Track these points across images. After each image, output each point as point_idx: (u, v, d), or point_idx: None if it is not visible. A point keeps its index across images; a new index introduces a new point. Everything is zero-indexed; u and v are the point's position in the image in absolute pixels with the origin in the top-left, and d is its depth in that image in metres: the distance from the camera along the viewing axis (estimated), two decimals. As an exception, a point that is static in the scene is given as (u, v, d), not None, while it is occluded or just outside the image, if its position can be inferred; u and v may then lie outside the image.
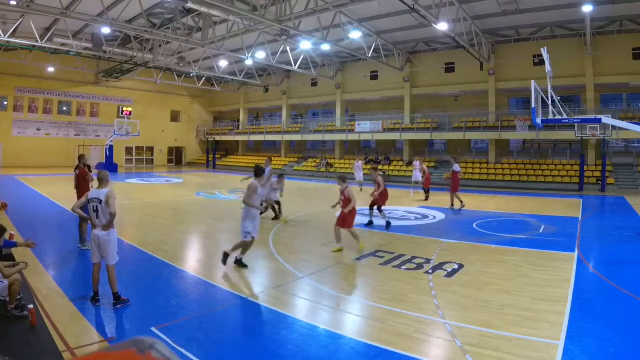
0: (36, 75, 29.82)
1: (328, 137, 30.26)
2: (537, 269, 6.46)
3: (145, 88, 35.09)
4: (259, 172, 6.67)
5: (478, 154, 25.75)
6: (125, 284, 5.31)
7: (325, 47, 21.64)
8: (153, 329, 4.22)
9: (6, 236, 5.47)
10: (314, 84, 32.54)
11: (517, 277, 6.08)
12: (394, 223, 10.90)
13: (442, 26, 16.31)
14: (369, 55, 22.37)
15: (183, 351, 3.71)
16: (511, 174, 21.81)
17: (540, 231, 9.69)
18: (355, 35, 20.33)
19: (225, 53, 24.18)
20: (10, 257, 5.14)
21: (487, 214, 12.25)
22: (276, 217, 10.84)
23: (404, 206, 14.08)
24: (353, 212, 7.62)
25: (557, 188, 19.68)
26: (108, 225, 4.85)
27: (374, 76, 28.81)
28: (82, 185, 7.95)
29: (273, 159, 33.54)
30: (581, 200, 15.99)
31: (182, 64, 27.92)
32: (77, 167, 8.24)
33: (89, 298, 4.90)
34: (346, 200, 7.68)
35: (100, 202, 4.84)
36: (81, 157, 8.44)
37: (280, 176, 11.24)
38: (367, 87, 29.20)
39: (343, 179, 7.94)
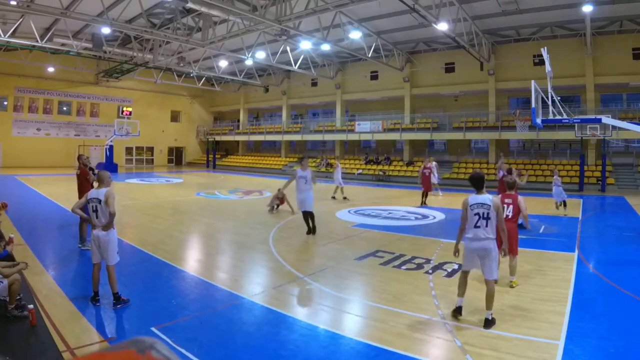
0: (36, 75, 29.82)
1: (328, 137, 30.26)
2: (537, 269, 6.46)
3: (145, 88, 35.09)
4: (480, 182, 4.57)
5: (478, 154, 25.74)
6: (125, 284, 5.31)
7: (325, 47, 21.65)
8: (153, 329, 4.22)
9: (5, 238, 5.47)
10: (314, 84, 32.54)
11: (517, 277, 6.07)
12: (394, 223, 10.89)
13: (442, 26, 16.31)
14: (369, 55, 22.37)
15: (183, 351, 3.71)
16: (511, 174, 21.78)
17: (540, 231, 9.69)
18: (355, 35, 20.33)
19: (225, 53, 24.18)
20: (10, 257, 5.14)
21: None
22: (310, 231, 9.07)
23: (404, 206, 14.08)
24: (509, 233, 5.26)
25: (557, 188, 19.65)
26: (108, 225, 4.85)
27: (374, 76, 28.81)
28: (83, 186, 7.94)
29: (273, 159, 33.81)
30: (581, 200, 15.98)
31: (182, 64, 27.93)
32: (78, 168, 8.26)
33: (89, 298, 4.90)
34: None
35: (100, 202, 4.84)
36: (80, 157, 8.44)
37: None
38: (367, 87, 29.19)
39: (511, 185, 6.07)
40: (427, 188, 14.47)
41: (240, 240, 8.77)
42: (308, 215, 8.89)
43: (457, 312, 4.56)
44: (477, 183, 4.57)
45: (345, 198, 15.35)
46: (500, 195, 5.88)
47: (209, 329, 4.31)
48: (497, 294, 5.30)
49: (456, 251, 4.70)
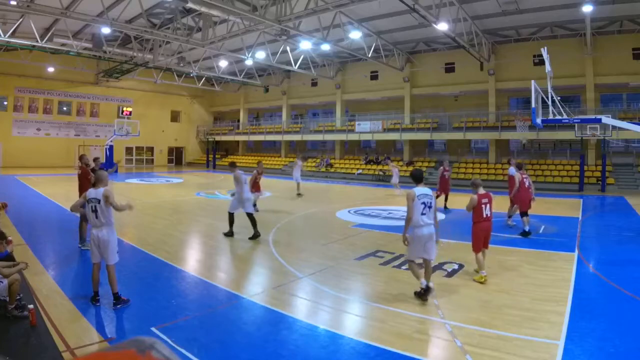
0: (36, 75, 29.82)
1: (328, 137, 30.26)
2: (537, 269, 6.46)
3: (145, 88, 35.09)
4: (421, 177, 5.38)
5: (478, 154, 25.74)
6: (125, 284, 5.31)
7: (325, 47, 21.64)
8: (153, 329, 4.22)
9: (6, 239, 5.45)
10: (314, 84, 32.54)
11: (517, 277, 6.08)
12: (394, 223, 10.88)
13: (442, 26, 16.31)
14: (369, 55, 22.37)
15: (183, 351, 3.71)
16: (511, 174, 21.77)
17: (540, 231, 9.69)
18: (355, 35, 20.33)
19: (225, 53, 24.18)
20: (10, 257, 5.13)
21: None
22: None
23: (404, 206, 14.05)
24: (475, 227, 6.13)
25: (557, 188, 19.68)
26: (121, 209, 4.99)
27: (374, 76, 28.81)
28: (84, 185, 7.95)
29: (273, 159, 33.82)
30: (581, 200, 15.98)
31: (182, 64, 27.92)
32: (80, 167, 8.28)
33: (89, 298, 4.90)
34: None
35: (99, 201, 4.85)
36: (82, 157, 8.46)
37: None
38: (367, 87, 29.20)
39: (476, 185, 6.30)
40: (446, 191, 13.40)
41: (240, 240, 8.77)
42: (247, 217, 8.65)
43: (426, 292, 4.96)
44: (418, 177, 5.35)
45: (299, 194, 16.05)
46: (477, 196, 6.08)
47: (209, 329, 4.31)
48: (497, 293, 5.34)
49: (405, 239, 5.20)
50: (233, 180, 8.91)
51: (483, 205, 6.03)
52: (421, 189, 5.18)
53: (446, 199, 13.30)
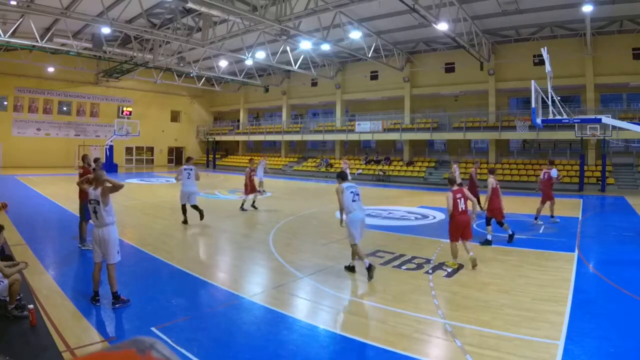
0: (36, 75, 29.81)
1: (328, 137, 30.26)
2: (537, 269, 6.46)
3: (145, 88, 35.08)
4: (346, 175, 6.61)
5: (478, 154, 25.73)
6: (125, 284, 5.31)
7: (325, 47, 21.64)
8: (153, 329, 4.22)
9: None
10: (314, 84, 32.54)
11: (517, 277, 6.08)
12: (394, 223, 10.89)
13: (442, 26, 16.31)
14: (369, 55, 22.37)
15: (183, 351, 3.71)
16: (511, 174, 21.80)
17: (540, 231, 9.69)
18: (355, 35, 20.33)
19: (225, 53, 24.17)
20: (10, 257, 5.14)
21: (487, 214, 12.21)
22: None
23: (404, 206, 14.08)
24: (452, 221, 6.63)
25: (557, 188, 19.52)
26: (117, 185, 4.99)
27: (374, 76, 28.81)
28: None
29: (273, 159, 33.84)
30: (581, 200, 15.98)
31: (182, 64, 27.91)
32: (81, 167, 8.27)
33: (89, 298, 4.90)
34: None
35: (98, 202, 4.86)
36: (84, 157, 8.46)
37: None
38: (367, 87, 29.20)
39: (452, 181, 6.84)
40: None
41: (240, 240, 8.78)
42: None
43: (353, 269, 6.17)
44: (344, 176, 6.41)
45: (262, 191, 16.26)
46: (451, 192, 6.60)
47: (209, 329, 4.31)
48: (496, 293, 5.34)
49: (342, 222, 6.24)
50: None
51: (458, 200, 6.52)
52: (347, 183, 6.25)
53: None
